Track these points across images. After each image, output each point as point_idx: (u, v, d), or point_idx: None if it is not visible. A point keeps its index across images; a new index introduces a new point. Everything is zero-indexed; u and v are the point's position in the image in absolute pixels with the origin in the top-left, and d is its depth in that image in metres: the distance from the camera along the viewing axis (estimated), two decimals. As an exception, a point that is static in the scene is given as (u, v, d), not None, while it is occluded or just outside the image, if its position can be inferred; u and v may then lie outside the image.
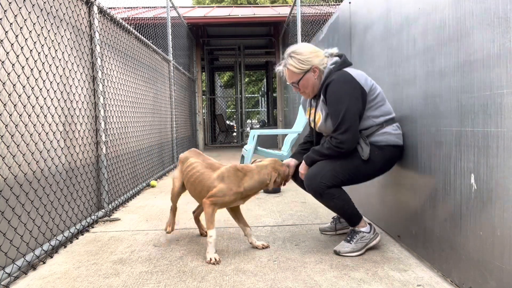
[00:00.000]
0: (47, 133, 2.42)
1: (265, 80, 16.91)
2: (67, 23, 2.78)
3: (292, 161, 2.45)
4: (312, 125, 2.39)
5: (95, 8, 3.19)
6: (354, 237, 2.20)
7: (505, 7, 1.41)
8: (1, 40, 1.99)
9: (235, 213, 2.38)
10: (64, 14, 2.73)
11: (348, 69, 2.19)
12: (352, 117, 2.09)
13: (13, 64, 2.10)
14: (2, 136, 1.97)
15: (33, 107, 2.28)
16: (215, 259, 2.12)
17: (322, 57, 2.25)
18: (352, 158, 2.17)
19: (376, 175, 2.27)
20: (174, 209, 2.58)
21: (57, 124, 2.55)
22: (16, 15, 2.13)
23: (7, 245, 1.97)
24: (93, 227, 2.92)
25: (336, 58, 2.24)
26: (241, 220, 2.38)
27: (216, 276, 1.96)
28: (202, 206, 2.27)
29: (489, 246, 1.52)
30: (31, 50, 2.27)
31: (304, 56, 2.21)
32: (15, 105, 2.10)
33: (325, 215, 3.11)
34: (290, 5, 11.32)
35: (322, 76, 2.23)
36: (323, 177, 2.14)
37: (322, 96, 2.21)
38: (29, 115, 2.23)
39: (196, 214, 2.68)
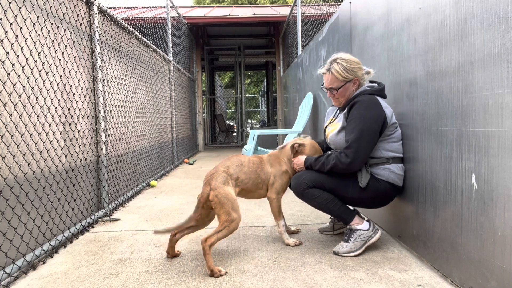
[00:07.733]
0: (47, 133, 2.42)
1: (265, 80, 16.90)
2: (67, 23, 2.77)
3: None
4: (326, 134, 2.42)
5: (95, 8, 3.19)
6: (352, 236, 2.20)
7: (505, 7, 1.41)
8: (1, 40, 1.99)
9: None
10: (64, 14, 2.73)
11: (380, 99, 2.19)
12: (366, 139, 2.09)
13: (13, 64, 2.09)
14: (2, 136, 1.97)
15: (33, 107, 2.28)
16: (298, 241, 2.40)
17: (363, 71, 2.27)
18: (349, 178, 2.17)
19: (359, 203, 2.22)
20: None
21: (57, 124, 2.55)
22: (16, 15, 2.13)
23: (7, 245, 1.97)
24: (93, 227, 2.92)
25: (375, 84, 2.27)
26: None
27: (217, 276, 1.96)
28: (269, 203, 2.39)
29: (490, 246, 1.51)
30: (31, 50, 2.27)
31: (351, 65, 2.22)
32: (15, 105, 2.10)
33: (325, 215, 3.11)
34: (290, 5, 11.34)
35: (356, 91, 2.26)
36: (306, 177, 2.19)
37: (346, 111, 2.22)
38: (29, 115, 2.22)
39: (177, 238, 2.23)
